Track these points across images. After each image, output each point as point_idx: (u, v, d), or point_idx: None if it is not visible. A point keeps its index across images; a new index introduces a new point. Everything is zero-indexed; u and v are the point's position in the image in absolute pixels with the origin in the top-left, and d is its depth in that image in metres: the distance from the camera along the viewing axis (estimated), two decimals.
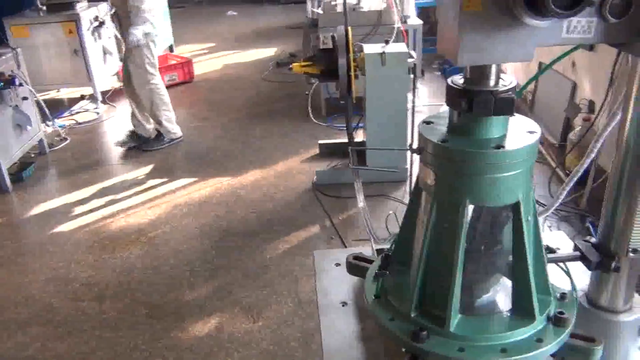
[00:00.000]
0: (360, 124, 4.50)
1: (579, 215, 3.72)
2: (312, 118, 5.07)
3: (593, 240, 1.30)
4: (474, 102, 1.02)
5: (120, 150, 5.46)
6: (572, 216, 3.73)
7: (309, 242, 3.76)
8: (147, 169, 5.00)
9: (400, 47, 4.10)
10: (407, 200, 3.76)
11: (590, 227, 3.54)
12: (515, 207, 1.08)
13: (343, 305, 1.58)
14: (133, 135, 5.54)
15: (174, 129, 5.43)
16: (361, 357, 1.39)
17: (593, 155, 1.71)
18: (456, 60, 0.98)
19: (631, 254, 1.23)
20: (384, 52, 3.96)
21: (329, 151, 4.95)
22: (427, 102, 5.85)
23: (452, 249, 1.09)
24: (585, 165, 1.60)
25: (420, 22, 5.85)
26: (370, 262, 1.40)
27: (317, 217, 4.04)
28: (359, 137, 4.75)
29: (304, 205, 4.24)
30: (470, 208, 1.07)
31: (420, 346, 1.09)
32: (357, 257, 1.44)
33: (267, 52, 8.67)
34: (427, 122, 1.16)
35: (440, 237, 1.12)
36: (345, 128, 4.51)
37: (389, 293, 1.23)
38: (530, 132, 1.08)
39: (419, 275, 1.15)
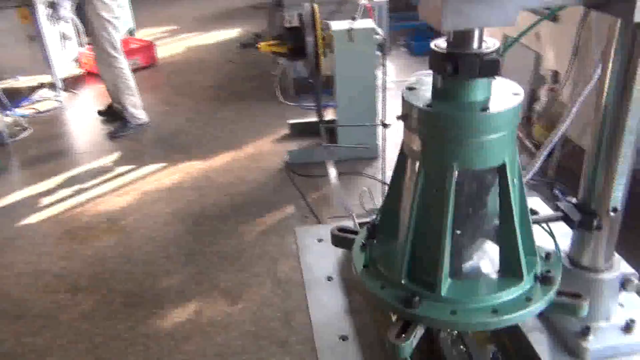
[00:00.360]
0: (331, 103, 4.48)
1: (546, 183, 3.81)
2: (281, 98, 5.02)
3: (574, 200, 1.32)
4: (459, 64, 1.01)
5: (85, 137, 5.33)
6: (541, 185, 3.81)
7: (284, 222, 3.76)
8: (114, 156, 4.89)
9: (368, 24, 4.09)
10: (380, 176, 3.78)
11: (559, 194, 3.62)
12: (502, 170, 1.09)
13: (329, 280, 1.58)
14: (109, 108, 5.47)
15: (140, 114, 5.31)
16: (350, 330, 1.39)
17: (566, 125, 1.73)
18: (440, 25, 0.97)
19: (611, 213, 1.25)
20: (351, 29, 3.94)
21: (299, 131, 4.93)
22: (396, 79, 5.86)
23: (440, 214, 1.09)
24: (558, 135, 1.62)
25: None
26: (356, 233, 1.39)
27: (291, 196, 4.03)
28: (330, 115, 4.74)
29: (277, 185, 4.22)
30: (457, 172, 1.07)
31: (413, 312, 1.09)
32: (342, 229, 1.42)
33: (231, 33, 8.53)
34: (410, 88, 1.15)
35: (428, 203, 1.12)
36: (315, 107, 4.49)
37: (378, 262, 1.22)
38: (514, 94, 1.08)
39: (408, 242, 1.14)
